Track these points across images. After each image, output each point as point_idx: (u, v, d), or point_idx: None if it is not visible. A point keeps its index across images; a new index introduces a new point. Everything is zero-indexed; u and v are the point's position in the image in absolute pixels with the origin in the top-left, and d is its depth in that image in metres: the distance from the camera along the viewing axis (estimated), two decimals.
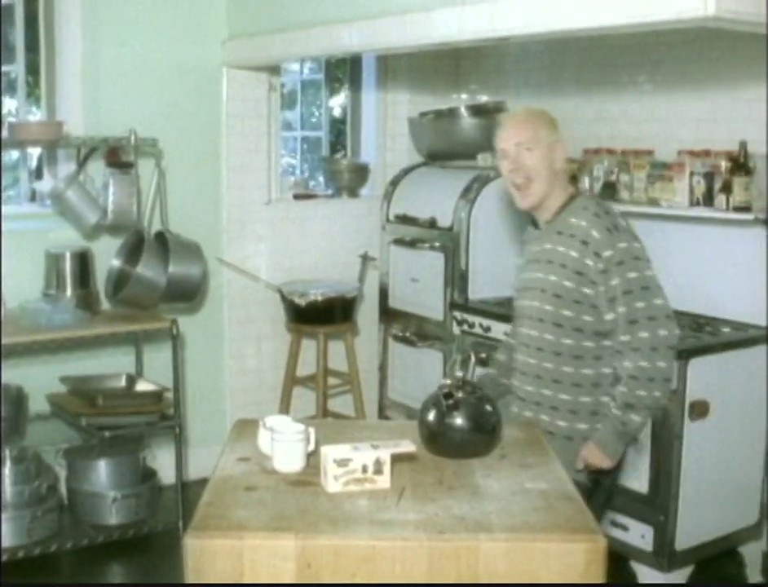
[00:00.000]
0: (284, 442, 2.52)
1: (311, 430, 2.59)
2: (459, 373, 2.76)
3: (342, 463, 2.39)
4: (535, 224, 3.22)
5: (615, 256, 2.96)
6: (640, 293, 2.97)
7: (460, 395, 2.70)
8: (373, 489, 2.40)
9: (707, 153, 4.34)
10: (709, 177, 4.26)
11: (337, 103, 6.76)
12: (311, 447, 2.58)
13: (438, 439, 2.68)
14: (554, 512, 2.32)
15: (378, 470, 2.41)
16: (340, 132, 6.55)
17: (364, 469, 2.40)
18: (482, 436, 2.70)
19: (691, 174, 4.30)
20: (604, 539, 2.21)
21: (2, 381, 4.53)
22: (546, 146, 3.07)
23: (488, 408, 2.73)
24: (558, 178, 3.12)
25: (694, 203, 4.30)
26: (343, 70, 6.36)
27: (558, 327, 3.05)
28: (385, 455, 2.42)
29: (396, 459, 2.46)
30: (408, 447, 2.47)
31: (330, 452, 2.40)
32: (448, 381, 2.76)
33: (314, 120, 6.72)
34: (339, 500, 2.35)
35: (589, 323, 3.03)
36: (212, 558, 2.16)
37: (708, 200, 4.26)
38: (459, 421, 2.66)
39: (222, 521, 2.23)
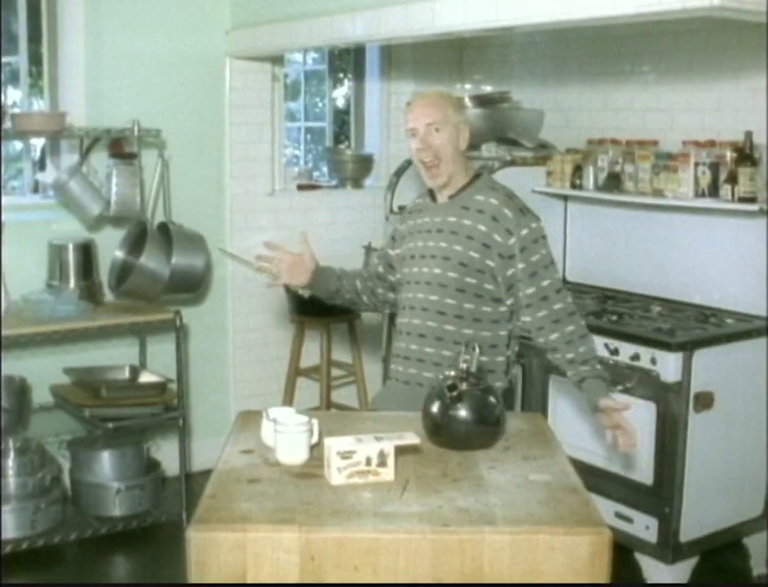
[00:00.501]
0: (287, 434, 2.51)
1: (315, 422, 2.58)
2: (463, 365, 2.75)
3: (345, 455, 2.38)
4: (433, 197, 3.37)
5: (530, 235, 3.18)
6: (551, 267, 3.23)
7: (464, 386, 2.69)
8: (377, 481, 2.39)
9: (712, 143, 4.32)
10: (714, 167, 4.24)
11: (341, 93, 6.74)
12: (315, 439, 2.57)
13: (442, 431, 2.67)
14: (559, 504, 2.31)
15: (382, 463, 2.40)
16: (343, 122, 6.53)
17: (368, 461, 2.39)
18: (486, 428, 2.69)
19: (696, 164, 4.27)
20: (609, 531, 2.20)
21: (6, 373, 4.54)
22: (453, 126, 3.23)
23: (492, 399, 2.72)
24: (462, 158, 3.30)
25: (699, 194, 4.28)
26: (347, 60, 6.34)
27: (461, 293, 3.21)
28: (388, 447, 2.41)
29: (400, 451, 2.46)
30: (411, 439, 2.46)
31: (334, 445, 2.39)
32: (452, 373, 2.75)
33: (317, 110, 6.70)
34: (343, 492, 2.34)
35: (489, 290, 3.21)
36: (215, 551, 2.15)
37: (714, 190, 4.24)
38: (463, 412, 2.65)
39: (226, 513, 2.22)
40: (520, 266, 3.16)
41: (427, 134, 3.20)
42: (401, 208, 5.28)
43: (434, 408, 2.69)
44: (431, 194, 3.38)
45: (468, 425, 2.66)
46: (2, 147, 4.77)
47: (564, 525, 2.20)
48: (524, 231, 3.17)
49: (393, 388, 3.39)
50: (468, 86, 5.87)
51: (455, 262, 3.20)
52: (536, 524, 2.20)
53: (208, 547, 2.15)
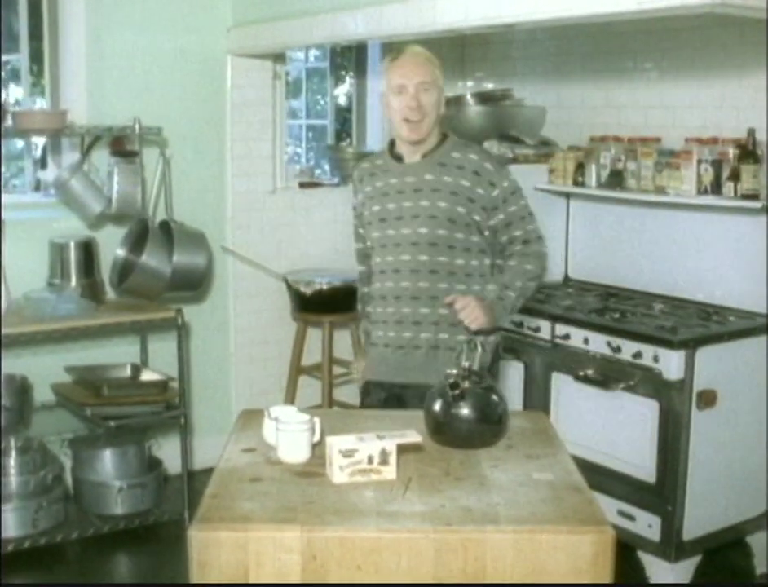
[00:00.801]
0: (289, 432, 2.51)
1: (317, 420, 2.58)
2: (465, 363, 2.74)
3: (347, 454, 2.37)
4: (395, 158, 3.37)
5: (509, 186, 3.31)
6: (529, 217, 3.34)
7: (466, 384, 2.68)
8: (379, 480, 2.38)
9: (714, 141, 4.31)
10: (717, 164, 4.23)
11: (342, 91, 6.73)
12: (317, 437, 2.57)
13: (444, 430, 2.67)
14: (562, 503, 2.30)
15: (384, 461, 2.40)
16: (345, 120, 6.52)
17: (370, 459, 2.39)
18: (489, 426, 2.68)
19: (699, 161, 4.26)
20: (612, 530, 2.19)
21: (8, 372, 4.54)
22: (439, 89, 3.30)
23: (495, 397, 2.71)
24: (439, 118, 3.34)
25: (701, 191, 4.27)
26: (348, 58, 6.33)
27: (451, 249, 3.28)
28: (391, 445, 2.40)
29: (402, 450, 2.45)
30: (413, 437, 2.46)
31: (336, 443, 2.39)
32: (454, 371, 2.74)
33: (319, 108, 6.69)
34: (345, 491, 2.33)
35: (477, 243, 3.31)
36: (217, 551, 2.14)
37: (716, 187, 4.23)
38: (465, 411, 2.65)
39: (228, 513, 2.22)
40: (500, 216, 3.28)
41: (418, 92, 3.23)
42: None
43: (437, 406, 2.69)
44: (392, 155, 3.40)
45: (470, 423, 2.66)
46: (3, 146, 4.77)
47: (567, 524, 2.20)
48: (505, 183, 3.30)
49: (385, 355, 3.39)
50: (470, 84, 5.86)
51: (443, 219, 3.25)
52: (539, 523, 2.19)
53: (210, 547, 2.15)
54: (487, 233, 3.31)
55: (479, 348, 2.78)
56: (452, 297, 3.18)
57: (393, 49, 3.39)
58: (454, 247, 3.28)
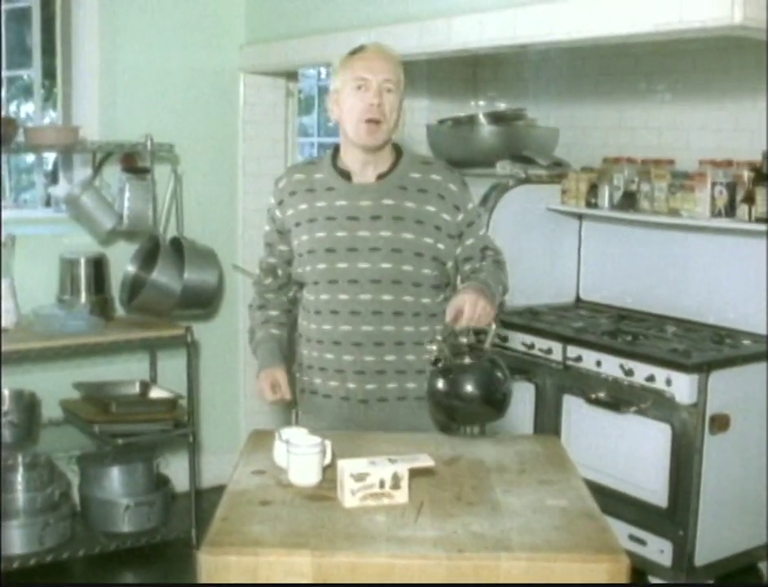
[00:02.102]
0: (299, 455, 2.48)
1: (328, 443, 2.55)
2: (463, 339, 2.73)
3: (359, 477, 2.34)
4: (344, 175, 2.96)
5: (475, 208, 3.06)
6: (492, 243, 3.08)
7: (467, 360, 2.69)
8: (391, 504, 2.35)
9: (729, 163, 4.28)
10: (731, 187, 4.20)
11: None
12: (328, 460, 2.54)
13: (444, 404, 2.70)
14: (575, 530, 2.26)
15: (396, 485, 2.36)
16: None
17: (382, 483, 2.35)
18: (490, 403, 2.72)
19: (713, 184, 4.23)
20: (627, 559, 2.15)
21: (16, 387, 4.54)
22: (401, 95, 2.96)
23: (499, 374, 2.73)
24: (394, 130, 2.96)
25: (715, 214, 4.24)
26: None
27: (417, 287, 2.93)
28: (402, 469, 2.37)
29: (414, 473, 2.42)
30: (425, 461, 2.42)
31: (347, 467, 2.36)
32: (433, 347, 2.71)
33: (330, 125, 6.69)
34: (356, 515, 2.30)
35: (441, 278, 2.99)
36: (226, 575, 2.11)
37: (730, 210, 4.20)
38: (468, 386, 2.67)
39: (237, 537, 2.19)
40: (469, 241, 2.98)
41: (381, 90, 2.86)
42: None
43: (438, 381, 2.69)
44: (337, 170, 2.97)
45: (472, 398, 2.68)
46: (14, 160, 4.76)
47: (581, 552, 2.16)
48: (470, 205, 3.00)
49: (341, 408, 3.03)
50: (482, 103, 5.84)
51: (409, 254, 2.89)
52: (552, 551, 2.16)
53: (219, 571, 2.12)
54: (450, 264, 2.99)
55: (494, 326, 2.74)
56: (453, 312, 2.72)
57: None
58: (420, 284, 2.92)
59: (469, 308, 2.69)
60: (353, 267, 2.91)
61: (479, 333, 2.85)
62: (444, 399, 2.74)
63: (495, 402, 2.73)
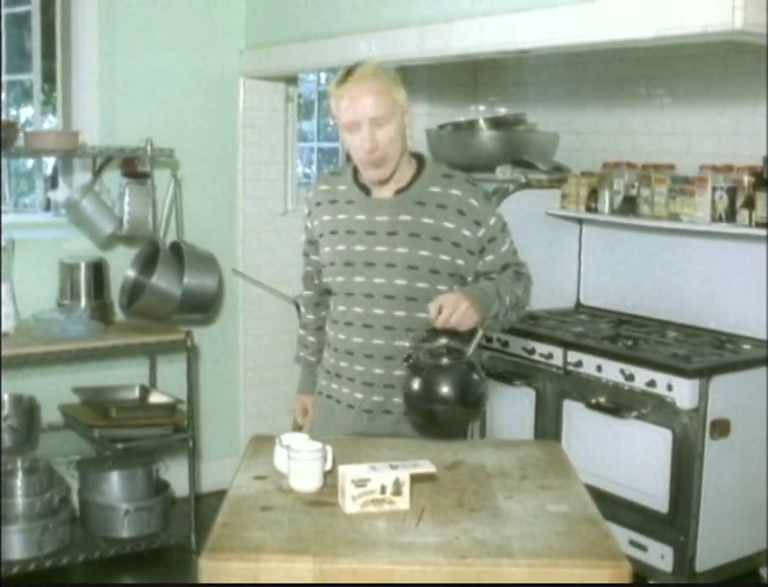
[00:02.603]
0: (300, 460, 2.47)
1: (329, 449, 2.54)
2: (443, 340, 2.70)
3: (360, 483, 2.33)
4: (364, 189, 2.93)
5: (497, 223, 2.90)
6: (516, 257, 2.98)
7: (444, 361, 2.67)
8: (392, 510, 2.34)
9: (729, 168, 4.29)
10: (732, 192, 4.20)
11: None
12: (329, 465, 2.53)
13: (416, 409, 2.69)
14: (577, 536, 2.26)
15: (397, 491, 2.35)
16: None
17: (383, 489, 2.35)
18: (466, 405, 2.70)
19: (714, 188, 4.24)
20: (629, 565, 2.15)
21: (16, 392, 4.54)
22: (401, 113, 2.80)
23: (474, 377, 2.71)
24: (407, 145, 2.86)
25: (716, 218, 4.24)
26: None
27: None
28: (404, 475, 2.36)
29: (415, 479, 2.41)
30: (427, 467, 2.42)
31: (348, 472, 2.35)
32: (406, 344, 2.70)
33: (329, 130, 6.69)
34: (357, 521, 2.29)
35: None
36: (227, 581, 2.10)
37: (731, 215, 4.20)
38: (438, 389, 2.66)
39: (238, 542, 2.18)
40: (489, 258, 2.89)
41: (373, 129, 2.75)
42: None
43: (414, 382, 2.68)
44: (357, 183, 2.94)
45: (448, 402, 2.66)
46: (14, 165, 4.76)
47: (583, 558, 2.15)
48: (492, 220, 2.88)
49: (347, 416, 3.02)
50: (482, 108, 5.85)
51: (424, 270, 2.84)
52: (554, 557, 2.15)
53: (220, 577, 2.11)
54: (470, 279, 2.91)
55: (480, 332, 2.70)
56: (434, 310, 2.66)
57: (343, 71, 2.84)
58: None
59: (447, 309, 2.63)
60: (369, 282, 2.89)
61: (468, 335, 2.75)
62: (418, 401, 2.71)
63: (469, 404, 2.70)
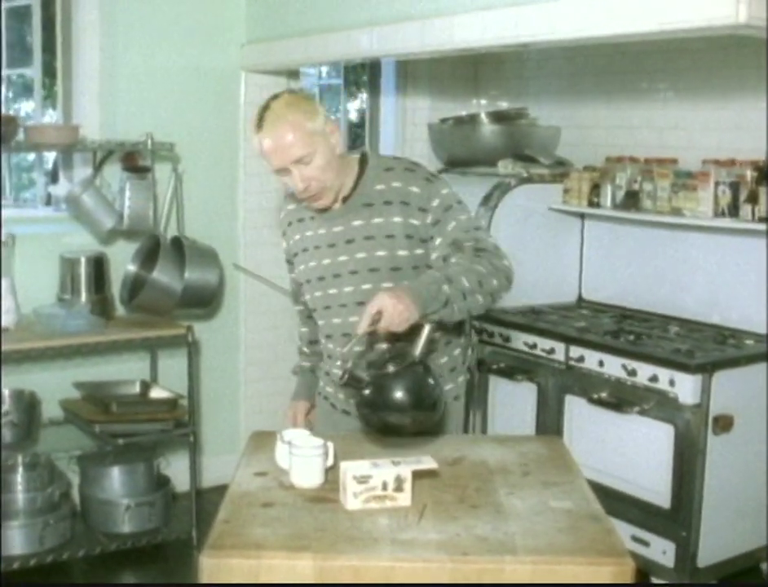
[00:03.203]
0: (302, 456, 2.46)
1: (330, 445, 2.53)
2: (357, 348, 2.66)
3: (361, 480, 2.32)
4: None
5: (442, 202, 2.80)
6: (476, 231, 2.81)
7: (390, 368, 2.52)
8: (394, 507, 2.33)
9: (732, 162, 4.27)
10: (735, 187, 4.19)
11: (353, 107, 6.71)
12: (330, 462, 2.52)
13: (367, 420, 2.59)
14: (580, 533, 2.25)
15: (399, 488, 2.34)
16: (357, 136, 6.49)
17: (384, 486, 2.34)
18: (420, 409, 2.56)
19: (716, 183, 4.22)
20: (632, 562, 2.14)
21: (16, 387, 4.53)
22: (323, 139, 2.75)
23: (430, 381, 2.57)
24: (341, 160, 2.82)
25: (719, 213, 4.23)
26: (362, 75, 6.31)
27: None
28: (405, 472, 2.35)
29: (416, 475, 2.40)
30: (429, 463, 2.40)
31: (350, 469, 2.34)
32: (338, 363, 2.65)
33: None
34: (359, 518, 2.28)
35: None
36: (228, 578, 2.09)
37: (734, 210, 4.19)
38: (399, 394, 2.51)
39: (239, 539, 2.17)
40: (437, 242, 2.79)
41: (300, 170, 2.73)
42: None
43: (362, 397, 2.55)
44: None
45: (401, 408, 2.52)
46: (14, 159, 4.74)
47: (586, 555, 2.14)
48: (435, 202, 2.79)
49: (333, 414, 3.09)
50: (483, 102, 5.83)
51: (385, 270, 2.82)
52: (557, 554, 2.14)
53: (221, 574, 2.10)
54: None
55: (427, 328, 2.55)
56: (364, 323, 2.53)
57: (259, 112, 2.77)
58: None
59: (365, 317, 2.52)
60: (341, 292, 2.90)
61: (413, 333, 2.60)
62: (369, 413, 2.58)
63: (425, 408, 2.56)
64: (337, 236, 2.89)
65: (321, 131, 2.75)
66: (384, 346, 2.70)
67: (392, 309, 2.49)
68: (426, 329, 2.56)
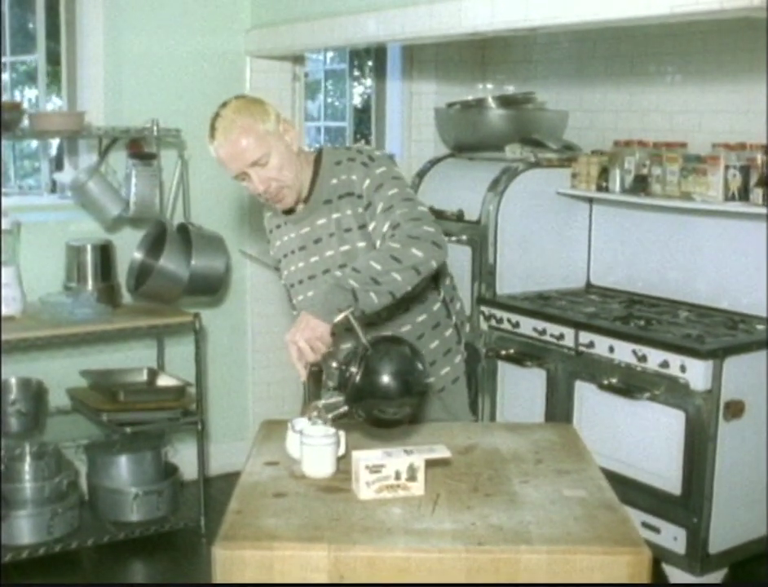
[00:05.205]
0: (313, 446, 2.44)
1: (342, 434, 2.51)
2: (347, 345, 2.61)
3: (374, 469, 2.30)
4: (287, 210, 2.93)
5: (372, 183, 2.76)
6: (402, 203, 2.72)
7: (352, 370, 2.44)
8: (407, 496, 2.31)
9: (742, 146, 4.23)
10: (745, 170, 4.15)
11: (358, 92, 6.68)
12: (342, 451, 2.50)
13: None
14: (595, 522, 2.23)
15: (412, 477, 2.32)
16: (361, 121, 6.46)
17: (397, 475, 2.32)
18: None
19: (726, 167, 4.18)
20: (648, 551, 2.12)
21: (23, 376, 4.54)
22: (277, 139, 2.76)
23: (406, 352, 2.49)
24: (299, 158, 2.82)
25: (729, 197, 4.19)
26: (367, 59, 6.27)
27: None
28: (419, 461, 2.33)
29: (429, 464, 2.38)
30: (442, 452, 2.38)
31: (362, 458, 2.32)
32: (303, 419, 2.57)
33: (334, 109, 6.64)
34: (372, 507, 2.26)
35: None
36: (241, 569, 2.07)
37: (744, 194, 4.15)
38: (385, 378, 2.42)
39: (251, 530, 2.15)
40: (371, 226, 2.77)
41: (259, 172, 2.74)
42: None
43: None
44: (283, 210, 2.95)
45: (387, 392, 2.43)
46: (18, 146, 4.71)
47: (602, 544, 2.12)
48: (366, 182, 2.77)
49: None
50: (490, 86, 5.79)
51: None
52: (572, 543, 2.12)
53: (234, 565, 2.08)
54: None
55: (347, 313, 2.48)
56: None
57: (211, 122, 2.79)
58: None
59: (294, 353, 2.60)
60: (319, 294, 2.77)
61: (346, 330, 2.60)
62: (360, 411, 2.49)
63: (414, 385, 2.46)
64: (306, 238, 2.91)
65: (274, 131, 2.76)
66: (344, 346, 2.64)
67: (299, 336, 2.58)
68: (350, 318, 2.49)
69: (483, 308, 4.81)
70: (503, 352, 4.68)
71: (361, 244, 2.80)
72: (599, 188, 4.76)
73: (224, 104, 2.82)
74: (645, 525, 4.04)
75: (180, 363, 4.85)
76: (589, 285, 5.09)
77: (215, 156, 2.80)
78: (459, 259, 4.85)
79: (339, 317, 2.52)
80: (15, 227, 4.56)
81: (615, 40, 4.96)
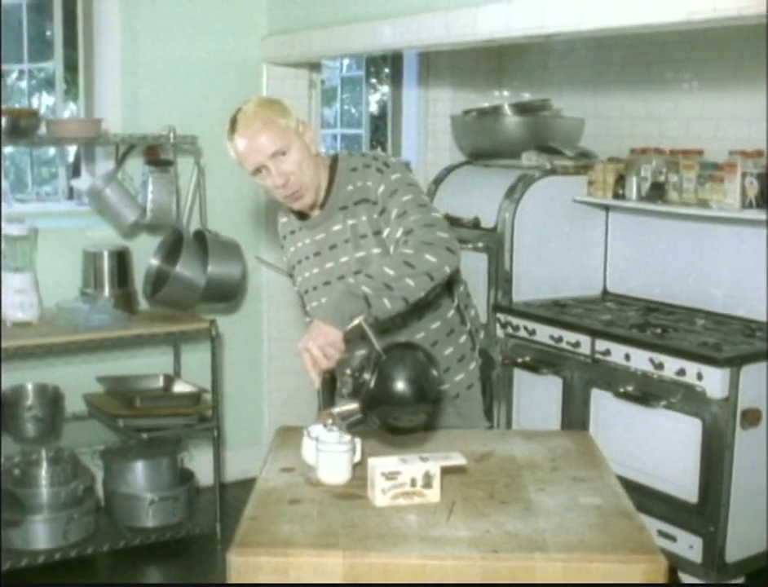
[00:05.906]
0: (329, 452, 2.44)
1: (357, 441, 2.51)
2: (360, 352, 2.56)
3: (390, 476, 2.30)
4: (300, 215, 2.95)
5: (387, 189, 2.77)
6: (416, 209, 2.72)
7: (365, 376, 2.42)
8: (422, 503, 2.31)
9: (759, 153, 4.22)
10: (762, 178, 4.13)
11: (374, 99, 6.69)
12: (357, 458, 2.50)
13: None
14: (611, 529, 2.22)
15: (428, 484, 2.32)
16: (377, 129, 6.47)
17: (413, 482, 2.32)
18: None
19: (743, 174, 4.16)
20: (664, 560, 2.11)
21: (40, 381, 4.56)
22: (297, 135, 2.77)
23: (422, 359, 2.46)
24: (317, 159, 2.84)
25: (746, 205, 4.17)
26: (384, 66, 6.28)
27: None
28: (434, 468, 2.33)
29: (444, 471, 2.38)
30: (458, 459, 2.38)
31: (378, 465, 2.32)
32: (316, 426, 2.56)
33: (351, 116, 6.65)
34: (387, 514, 2.26)
35: None
36: (256, 576, 2.07)
37: (761, 201, 4.13)
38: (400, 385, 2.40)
39: (267, 537, 2.15)
40: (385, 232, 2.77)
41: (278, 164, 2.74)
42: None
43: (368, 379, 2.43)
44: (294, 211, 2.96)
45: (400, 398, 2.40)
46: (36, 153, 4.73)
47: (618, 553, 2.11)
48: (381, 188, 2.78)
49: None
50: (506, 93, 5.79)
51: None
52: (588, 551, 2.11)
53: (249, 572, 2.08)
54: None
55: (362, 323, 2.46)
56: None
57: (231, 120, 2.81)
58: None
59: (307, 360, 2.55)
60: (331, 300, 2.73)
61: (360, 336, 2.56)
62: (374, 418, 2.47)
63: (427, 391, 2.43)
64: (321, 244, 2.91)
65: (294, 129, 2.78)
66: (358, 354, 2.61)
67: (312, 343, 2.52)
68: (363, 324, 2.49)
69: (500, 315, 4.81)
70: (519, 360, 4.68)
71: (376, 251, 2.80)
72: (615, 196, 4.75)
73: (246, 102, 2.84)
74: (661, 533, 4.02)
75: (196, 369, 4.85)
76: (605, 293, 5.08)
77: (233, 155, 2.81)
78: (475, 266, 4.85)
79: (352, 324, 2.52)
80: (33, 233, 4.58)
81: (631, 47, 4.95)
